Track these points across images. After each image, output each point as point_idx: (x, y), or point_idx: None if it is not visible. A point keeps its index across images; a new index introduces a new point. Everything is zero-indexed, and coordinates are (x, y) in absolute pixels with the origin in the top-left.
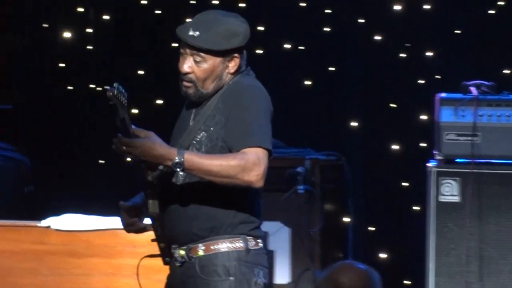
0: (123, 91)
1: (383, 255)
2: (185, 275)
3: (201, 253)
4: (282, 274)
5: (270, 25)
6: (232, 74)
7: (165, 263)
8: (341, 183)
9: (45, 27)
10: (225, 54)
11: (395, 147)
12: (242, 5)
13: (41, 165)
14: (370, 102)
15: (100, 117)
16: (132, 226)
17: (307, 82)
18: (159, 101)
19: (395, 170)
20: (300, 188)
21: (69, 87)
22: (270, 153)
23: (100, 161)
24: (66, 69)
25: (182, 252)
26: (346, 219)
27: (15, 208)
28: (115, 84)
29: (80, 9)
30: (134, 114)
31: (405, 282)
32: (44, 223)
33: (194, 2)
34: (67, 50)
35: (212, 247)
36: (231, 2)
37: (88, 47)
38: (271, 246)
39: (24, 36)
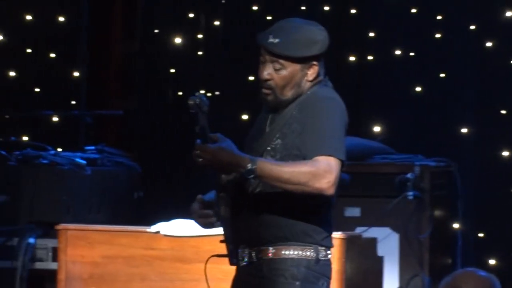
0: (205, 99)
1: (492, 261)
2: (251, 275)
3: (270, 256)
4: (391, 280)
5: (381, 31)
6: (310, 81)
7: (232, 263)
8: (451, 189)
9: (156, 33)
10: (304, 61)
11: (505, 153)
12: (353, 11)
13: (151, 171)
14: (481, 108)
15: (210, 123)
16: (203, 219)
17: (418, 89)
18: None
19: (506, 176)
20: (410, 194)
21: (179, 93)
22: (343, 163)
23: None
24: (176, 74)
25: (251, 253)
26: (456, 225)
27: (125, 214)
28: (197, 93)
29: (191, 15)
30: (244, 120)
31: None
32: (153, 228)
33: (304, 8)
34: (177, 56)
35: (282, 252)
36: (342, 8)
37: (199, 52)
38: (380, 252)
39: (135, 42)
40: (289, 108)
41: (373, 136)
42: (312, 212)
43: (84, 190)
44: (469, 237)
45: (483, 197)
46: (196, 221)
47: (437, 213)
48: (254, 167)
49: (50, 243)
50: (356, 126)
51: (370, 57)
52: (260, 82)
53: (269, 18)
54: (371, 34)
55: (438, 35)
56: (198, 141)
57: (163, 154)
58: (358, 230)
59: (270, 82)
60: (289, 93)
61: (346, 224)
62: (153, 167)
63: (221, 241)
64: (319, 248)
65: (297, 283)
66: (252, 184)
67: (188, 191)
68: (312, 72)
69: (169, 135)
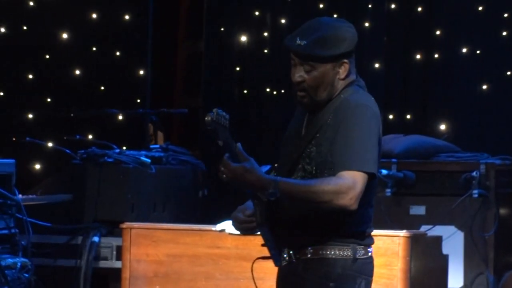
0: (223, 113)
1: None
2: (290, 274)
3: (308, 255)
4: (456, 278)
5: (447, 29)
6: (343, 80)
7: (276, 265)
8: None
9: (222, 31)
10: (334, 60)
11: None
12: (419, 9)
13: (216, 169)
14: None
15: (274, 120)
16: (247, 224)
17: (484, 86)
18: None
19: None
20: (475, 193)
21: (245, 91)
22: (373, 175)
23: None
24: (241, 72)
25: (290, 253)
26: None
27: (189, 212)
28: (214, 110)
29: (257, 13)
30: None
31: None
32: (218, 227)
33: (370, 6)
34: (243, 54)
35: (320, 252)
36: (409, 6)
37: (264, 51)
38: (445, 250)
39: (200, 41)
40: (324, 112)
41: (439, 134)
42: (350, 212)
43: (148, 189)
44: None
45: None
46: (237, 229)
47: (502, 211)
48: (276, 190)
49: (114, 241)
50: (422, 124)
51: (436, 55)
52: (293, 85)
53: (335, 15)
54: (438, 32)
55: (504, 33)
56: (226, 155)
57: None
58: (423, 228)
59: (303, 84)
60: (323, 94)
61: (411, 222)
62: (218, 165)
63: (262, 245)
64: (357, 247)
65: (331, 284)
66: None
67: None
68: (343, 70)
69: (234, 132)
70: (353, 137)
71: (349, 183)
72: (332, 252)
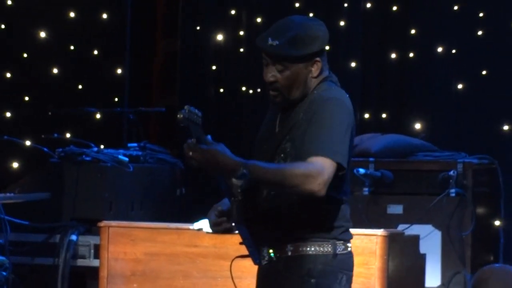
0: (196, 111)
1: None
2: (270, 272)
3: (289, 253)
4: (433, 277)
5: (423, 28)
6: (315, 78)
7: (255, 263)
8: (493, 186)
9: (198, 30)
10: (306, 59)
11: None
12: (395, 8)
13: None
14: None
15: (250, 119)
16: (219, 226)
17: (460, 86)
18: None
19: None
20: (452, 192)
21: (221, 90)
22: (341, 167)
23: None
24: (217, 71)
25: (270, 251)
26: (498, 222)
27: (167, 211)
28: (186, 107)
29: (233, 12)
30: None
31: None
32: (196, 225)
33: (346, 5)
34: (219, 53)
35: (300, 249)
36: (385, 5)
37: (240, 49)
38: (422, 249)
39: (177, 40)
40: (298, 109)
41: (416, 133)
42: (328, 209)
43: (126, 187)
44: (511, 234)
45: None
46: (212, 229)
47: (479, 210)
48: (247, 171)
49: (92, 240)
50: (399, 123)
51: (412, 54)
52: (266, 85)
53: (311, 14)
54: (413, 31)
55: (480, 32)
56: (189, 140)
57: None
58: (401, 227)
59: (276, 84)
60: (297, 93)
61: (388, 221)
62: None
63: (240, 243)
64: (337, 242)
65: (313, 280)
66: (263, 193)
67: None
68: (316, 69)
69: (211, 131)
70: (324, 127)
71: (318, 168)
72: (312, 249)
